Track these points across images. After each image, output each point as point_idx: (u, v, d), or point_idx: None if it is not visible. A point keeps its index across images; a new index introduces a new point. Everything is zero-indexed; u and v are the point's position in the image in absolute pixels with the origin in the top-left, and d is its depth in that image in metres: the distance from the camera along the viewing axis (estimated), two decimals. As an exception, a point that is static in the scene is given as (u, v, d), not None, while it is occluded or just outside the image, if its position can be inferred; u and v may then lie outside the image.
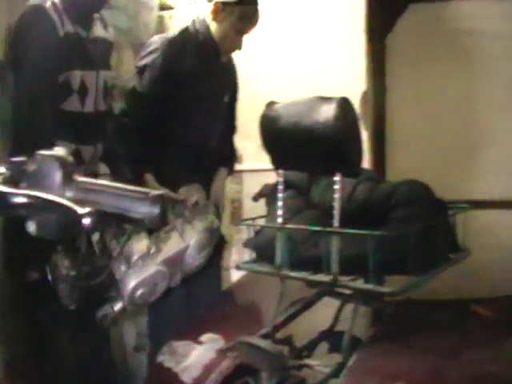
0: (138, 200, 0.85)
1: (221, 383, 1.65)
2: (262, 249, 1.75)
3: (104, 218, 0.82)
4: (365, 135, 2.66)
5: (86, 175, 0.89)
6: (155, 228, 0.95)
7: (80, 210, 0.77)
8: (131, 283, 0.97)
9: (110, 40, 2.19)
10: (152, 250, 1.01)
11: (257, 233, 1.80)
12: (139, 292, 0.98)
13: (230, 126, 2.57)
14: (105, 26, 2.15)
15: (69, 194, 0.85)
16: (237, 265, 1.88)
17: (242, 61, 2.52)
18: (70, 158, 0.89)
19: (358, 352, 1.60)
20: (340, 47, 2.74)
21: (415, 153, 2.82)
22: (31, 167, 0.87)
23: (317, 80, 2.68)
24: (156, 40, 2.35)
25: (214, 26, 2.31)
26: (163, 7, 3.09)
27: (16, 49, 1.91)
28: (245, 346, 1.60)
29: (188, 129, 2.34)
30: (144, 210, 0.85)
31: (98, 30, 2.11)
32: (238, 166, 2.66)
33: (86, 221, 0.77)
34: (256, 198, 1.93)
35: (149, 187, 2.22)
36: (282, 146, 1.65)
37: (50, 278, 0.96)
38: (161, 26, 3.06)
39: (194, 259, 1.11)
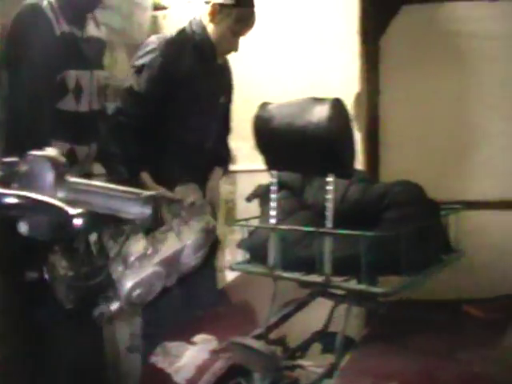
0: (129, 201, 0.85)
1: (214, 384, 1.65)
2: (256, 249, 1.75)
3: (96, 219, 0.82)
4: (358, 136, 2.67)
5: (80, 175, 0.89)
6: (147, 228, 0.94)
7: (71, 211, 0.77)
8: (128, 284, 0.97)
9: (103, 39, 2.19)
10: (149, 251, 1.02)
11: (250, 233, 1.80)
12: (136, 292, 0.98)
13: (225, 127, 2.58)
14: (97, 26, 2.15)
15: (60, 194, 0.84)
16: (230, 265, 1.89)
17: (236, 62, 2.52)
18: (62, 159, 0.89)
19: (351, 352, 1.60)
20: (334, 49, 2.75)
21: (408, 154, 2.83)
22: (23, 168, 0.87)
23: (310, 81, 2.69)
24: (154, 40, 2.36)
25: (210, 28, 2.32)
26: (157, 7, 3.09)
27: (12, 48, 1.90)
28: (238, 346, 1.60)
29: (184, 129, 2.35)
30: (136, 211, 0.85)
31: (92, 30, 2.11)
32: (232, 167, 2.66)
33: (78, 221, 0.77)
34: (249, 199, 1.93)
35: (145, 186, 2.25)
36: (275, 146, 1.65)
37: (47, 277, 0.96)
38: (154, 26, 3.06)
39: (191, 259, 1.11)
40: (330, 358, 1.59)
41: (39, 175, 0.86)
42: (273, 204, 1.65)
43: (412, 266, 1.54)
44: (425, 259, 1.63)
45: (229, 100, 2.55)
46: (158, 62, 2.28)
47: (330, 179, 1.55)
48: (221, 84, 2.49)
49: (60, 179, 0.86)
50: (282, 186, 1.82)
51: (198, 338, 1.82)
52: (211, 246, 1.18)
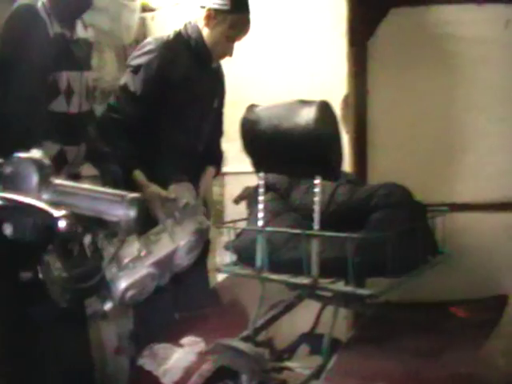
0: (114, 203, 0.85)
1: (201, 386, 1.65)
2: (243, 251, 1.75)
3: (80, 221, 0.82)
4: (346, 138, 2.68)
5: (70, 176, 0.89)
6: (131, 231, 0.95)
7: (56, 213, 0.77)
8: (122, 285, 0.98)
9: (91, 40, 2.19)
10: (142, 253, 1.02)
11: (238, 235, 1.80)
12: (129, 293, 0.99)
13: (218, 130, 2.59)
14: (85, 27, 2.14)
15: (45, 196, 0.84)
16: (217, 267, 1.89)
17: (224, 63, 2.53)
18: (47, 161, 0.89)
19: (339, 354, 1.60)
20: (321, 50, 2.76)
21: (396, 156, 2.84)
22: (7, 169, 0.87)
23: (298, 83, 2.69)
24: (151, 41, 2.37)
25: (206, 32, 2.34)
26: (145, 9, 3.08)
27: (6, 48, 1.89)
28: (225, 348, 1.60)
29: (178, 131, 2.36)
30: (120, 213, 0.85)
31: (80, 31, 2.10)
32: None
33: (62, 223, 0.77)
34: (237, 201, 1.94)
35: (138, 184, 2.26)
36: (262, 148, 1.65)
37: (41, 277, 0.96)
38: (143, 28, 3.05)
39: (183, 260, 1.12)
40: (317, 360, 1.60)
41: (24, 177, 0.86)
42: (260, 206, 1.66)
43: (399, 268, 1.55)
44: (411, 261, 1.64)
45: (222, 103, 2.57)
46: (155, 63, 2.29)
47: (317, 181, 1.55)
48: (215, 88, 2.52)
49: (45, 181, 0.86)
50: (269, 188, 1.83)
51: (185, 340, 1.82)
52: (203, 246, 1.19)
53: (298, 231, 1.59)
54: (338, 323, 1.63)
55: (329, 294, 1.66)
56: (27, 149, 0.89)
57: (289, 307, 1.82)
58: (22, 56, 1.83)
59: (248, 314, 1.75)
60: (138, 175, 2.27)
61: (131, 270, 1.00)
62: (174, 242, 1.10)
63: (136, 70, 2.30)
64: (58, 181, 0.87)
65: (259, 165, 1.69)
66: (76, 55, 2.03)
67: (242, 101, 2.39)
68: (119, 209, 0.85)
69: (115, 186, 2.05)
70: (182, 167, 2.31)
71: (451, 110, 2.84)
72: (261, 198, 1.67)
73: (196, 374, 1.65)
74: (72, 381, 1.95)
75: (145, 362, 1.80)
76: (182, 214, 1.18)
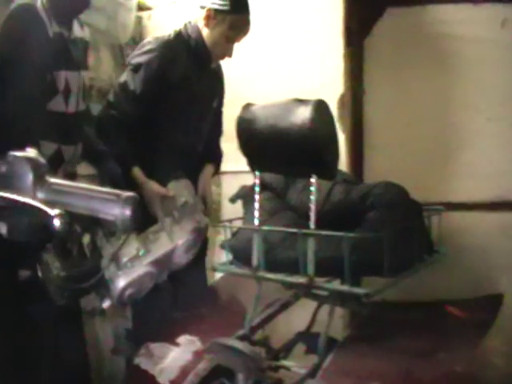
0: (109, 201, 0.85)
1: (197, 385, 1.65)
2: (239, 250, 1.75)
3: (75, 220, 0.82)
4: (342, 138, 2.68)
5: (66, 175, 0.89)
6: (128, 229, 0.95)
7: (51, 212, 0.77)
8: (120, 284, 0.99)
9: (87, 40, 2.19)
10: (141, 252, 1.03)
11: (234, 234, 1.80)
12: (128, 292, 1.00)
13: (217, 130, 2.60)
14: (81, 26, 2.14)
15: (40, 195, 0.84)
16: (213, 266, 1.89)
17: (221, 63, 2.53)
18: (42, 160, 0.88)
19: (334, 353, 1.61)
20: (318, 50, 2.75)
21: (392, 155, 2.84)
22: (2, 168, 0.86)
23: (294, 82, 2.69)
24: (152, 40, 2.38)
25: (205, 32, 2.35)
26: (141, 8, 3.08)
27: (5, 47, 1.89)
28: (221, 347, 1.60)
29: (177, 129, 2.37)
30: (116, 212, 0.85)
31: (76, 30, 2.10)
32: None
33: (57, 222, 0.77)
34: (233, 200, 1.94)
35: (137, 181, 2.26)
36: (258, 147, 1.66)
37: (40, 276, 0.96)
38: (139, 27, 3.05)
39: (182, 258, 1.13)
40: (313, 359, 1.60)
41: (19, 176, 0.85)
42: (256, 205, 1.66)
43: (394, 267, 1.55)
44: (407, 260, 1.64)
45: (221, 103, 2.58)
46: (155, 62, 2.30)
47: (313, 180, 1.56)
48: (214, 88, 2.53)
49: (40, 180, 0.85)
50: (265, 187, 1.83)
51: (181, 338, 1.82)
52: (202, 244, 1.19)
53: (293, 230, 1.59)
54: (334, 322, 1.64)
55: (325, 293, 1.66)
56: (24, 148, 0.89)
57: (285, 306, 1.83)
58: (23, 56, 1.83)
59: (244, 313, 1.75)
60: (137, 172, 2.28)
61: (130, 269, 1.01)
62: (172, 241, 1.10)
63: (136, 68, 2.31)
64: (53, 180, 0.87)
65: (255, 164, 1.69)
66: (74, 55, 2.04)
67: (238, 100, 2.39)
68: (115, 208, 0.85)
69: (114, 184, 2.05)
70: (181, 166, 2.31)
71: (447, 109, 2.84)
72: (257, 197, 1.67)
73: (192, 373, 1.65)
74: (68, 380, 1.95)
75: (141, 360, 1.81)
76: (180, 213, 1.18)
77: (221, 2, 2.28)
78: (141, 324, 2.30)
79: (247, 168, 1.73)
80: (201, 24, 2.35)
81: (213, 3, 2.29)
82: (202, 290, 2.41)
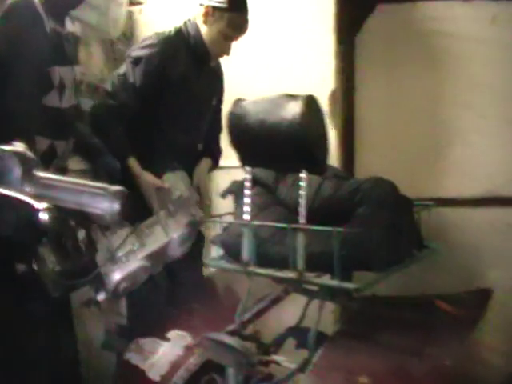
0: (97, 195, 0.85)
1: (188, 380, 1.66)
2: (229, 245, 1.76)
3: (63, 214, 0.82)
4: (333, 134, 2.68)
5: (57, 170, 0.89)
6: (118, 223, 0.95)
7: (38, 205, 0.77)
8: (115, 278, 1.00)
9: (78, 35, 2.18)
10: (135, 246, 1.03)
11: (224, 229, 1.81)
12: (122, 286, 1.01)
13: (216, 127, 2.59)
14: (72, 21, 2.13)
15: (28, 189, 0.84)
16: (204, 261, 1.89)
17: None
18: (30, 154, 0.88)
19: (324, 348, 1.62)
20: (309, 46, 2.75)
21: (383, 151, 2.85)
22: (-10, 162, 0.86)
23: (286, 79, 2.69)
24: (152, 35, 2.39)
25: (203, 30, 2.35)
26: (133, 2, 3.06)
27: (4, 43, 1.88)
28: (212, 342, 1.60)
29: (176, 126, 2.37)
30: (104, 206, 0.85)
31: (68, 25, 2.09)
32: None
33: (44, 216, 0.76)
34: (224, 195, 1.94)
35: (132, 172, 2.25)
36: (248, 143, 1.66)
37: (35, 269, 0.96)
38: (130, 21, 3.03)
39: (176, 251, 1.13)
40: (303, 353, 1.61)
41: (6, 170, 0.85)
42: (246, 200, 1.66)
43: (384, 262, 1.56)
44: (397, 255, 1.65)
45: (220, 101, 2.58)
46: (155, 57, 2.30)
47: (302, 175, 1.56)
48: (213, 86, 2.53)
49: (28, 174, 0.85)
50: (256, 182, 1.83)
51: (171, 333, 1.82)
52: (198, 239, 1.19)
53: (283, 225, 1.59)
54: (324, 317, 1.64)
55: (315, 288, 1.67)
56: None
57: (275, 301, 1.83)
58: (23, 51, 1.82)
59: (235, 308, 1.75)
60: (133, 163, 2.28)
61: (124, 263, 1.01)
62: (167, 234, 1.11)
63: (136, 61, 2.31)
64: (41, 174, 0.87)
65: (246, 159, 1.69)
66: (66, 50, 2.03)
67: (229, 96, 2.40)
68: (103, 202, 0.85)
69: (110, 178, 2.05)
70: (178, 161, 2.31)
71: (438, 106, 2.85)
72: (247, 192, 1.67)
73: (182, 368, 1.65)
74: (58, 376, 1.95)
75: (131, 356, 1.81)
76: (175, 207, 1.19)
77: (219, 0, 2.29)
78: (136, 320, 2.30)
79: (238, 163, 1.73)
80: (199, 21, 2.35)
81: (211, 0, 2.30)
82: (199, 285, 2.41)
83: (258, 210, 1.76)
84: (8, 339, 1.88)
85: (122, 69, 2.34)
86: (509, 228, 2.68)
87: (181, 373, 1.64)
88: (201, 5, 2.34)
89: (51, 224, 0.77)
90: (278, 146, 1.57)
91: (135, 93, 2.29)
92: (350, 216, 1.69)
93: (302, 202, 1.55)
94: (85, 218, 0.96)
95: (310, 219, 1.55)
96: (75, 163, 2.24)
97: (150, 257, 1.07)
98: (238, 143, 1.69)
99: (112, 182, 0.96)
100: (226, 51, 2.39)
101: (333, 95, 2.74)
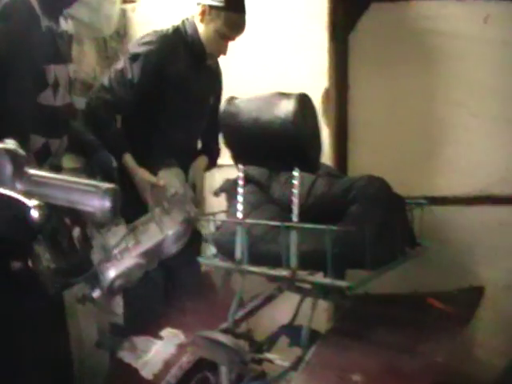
0: (89, 193, 0.85)
1: (181, 378, 1.66)
2: (223, 243, 1.76)
3: (54, 211, 0.81)
4: (326, 132, 2.68)
5: (51, 168, 0.89)
6: (107, 221, 0.95)
7: (29, 203, 0.77)
8: (110, 275, 1.00)
9: (71, 33, 2.17)
10: (130, 244, 1.04)
11: (217, 227, 1.80)
12: (117, 283, 1.01)
13: (214, 126, 2.58)
14: (65, 19, 2.13)
15: (19, 186, 0.84)
16: (197, 259, 1.89)
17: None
18: (22, 151, 0.88)
19: (317, 345, 1.62)
20: (302, 44, 2.75)
21: (376, 149, 2.85)
22: (-19, 160, 0.86)
23: (279, 77, 2.68)
24: (151, 33, 2.38)
25: (201, 29, 2.35)
26: (126, 0, 3.06)
27: (1, 40, 1.87)
28: (205, 340, 1.60)
29: (172, 125, 2.37)
30: (95, 204, 0.84)
31: (62, 23, 2.09)
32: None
33: (35, 213, 0.76)
34: (217, 193, 1.94)
35: (127, 168, 2.25)
36: (241, 141, 1.66)
37: (31, 266, 0.96)
38: (123, 19, 3.02)
39: (171, 248, 1.14)
40: (296, 351, 1.61)
41: (-3, 167, 0.85)
42: (239, 198, 1.66)
43: (377, 260, 1.56)
44: (390, 253, 1.66)
45: (218, 100, 2.57)
46: (153, 55, 2.30)
47: (295, 173, 1.56)
48: (211, 84, 2.53)
49: (19, 171, 0.85)
50: (249, 180, 1.83)
51: (164, 332, 1.82)
52: (196, 237, 1.19)
53: (276, 223, 1.60)
54: (317, 315, 1.65)
55: (308, 286, 1.67)
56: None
57: (268, 299, 1.83)
58: (19, 50, 1.82)
59: (228, 305, 1.75)
60: (128, 159, 2.28)
61: (119, 261, 1.02)
62: (162, 231, 1.11)
63: (134, 57, 2.31)
64: (32, 171, 0.86)
65: (239, 157, 1.69)
66: (60, 48, 2.03)
67: (223, 94, 2.39)
68: (94, 199, 0.84)
69: (106, 175, 2.05)
70: (173, 157, 2.31)
71: (431, 104, 2.85)
72: (240, 190, 1.67)
73: (175, 366, 1.65)
74: (50, 375, 1.94)
75: (124, 354, 1.81)
76: (170, 204, 1.19)
77: None
78: (134, 319, 2.29)
79: (231, 161, 1.73)
80: (197, 20, 2.35)
81: None
82: (197, 284, 2.41)
83: (251, 208, 1.76)
84: (0, 337, 1.88)
85: (120, 64, 2.33)
86: (501, 226, 2.69)
87: (174, 371, 1.64)
88: (198, 3, 2.34)
89: (42, 221, 0.77)
90: (271, 144, 1.57)
91: (132, 89, 2.29)
92: (342, 214, 1.70)
93: (295, 200, 1.55)
94: (79, 216, 0.96)
95: (303, 217, 1.55)
96: (69, 161, 2.24)
97: (145, 254, 1.08)
98: (230, 141, 1.69)
99: (107, 180, 0.96)
100: (222, 50, 2.39)
101: (326, 93, 2.74)
